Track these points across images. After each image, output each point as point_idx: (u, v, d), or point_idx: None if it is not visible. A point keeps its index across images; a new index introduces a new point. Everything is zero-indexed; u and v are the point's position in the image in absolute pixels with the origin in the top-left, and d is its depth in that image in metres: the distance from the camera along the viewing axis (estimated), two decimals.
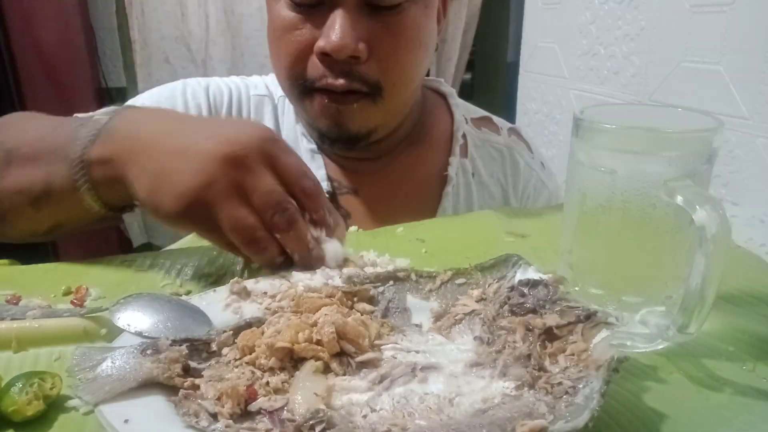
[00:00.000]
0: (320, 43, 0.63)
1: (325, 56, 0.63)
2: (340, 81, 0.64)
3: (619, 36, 1.26)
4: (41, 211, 0.54)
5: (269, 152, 0.47)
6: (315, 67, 0.65)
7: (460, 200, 0.79)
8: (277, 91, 0.80)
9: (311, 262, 0.47)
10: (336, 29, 0.61)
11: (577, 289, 0.45)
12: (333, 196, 0.75)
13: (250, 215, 0.45)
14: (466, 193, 0.80)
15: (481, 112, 0.87)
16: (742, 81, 0.96)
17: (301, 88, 0.67)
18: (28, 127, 0.58)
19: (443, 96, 0.85)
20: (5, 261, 0.55)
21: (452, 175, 0.77)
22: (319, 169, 0.75)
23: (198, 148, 0.46)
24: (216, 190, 0.45)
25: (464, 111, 0.84)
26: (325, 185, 0.74)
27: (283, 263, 0.48)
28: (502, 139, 0.84)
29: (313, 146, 0.76)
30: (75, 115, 0.65)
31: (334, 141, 0.72)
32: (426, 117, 0.80)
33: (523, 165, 0.83)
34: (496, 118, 0.87)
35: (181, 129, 0.50)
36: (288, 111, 0.79)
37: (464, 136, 0.81)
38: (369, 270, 0.50)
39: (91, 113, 0.66)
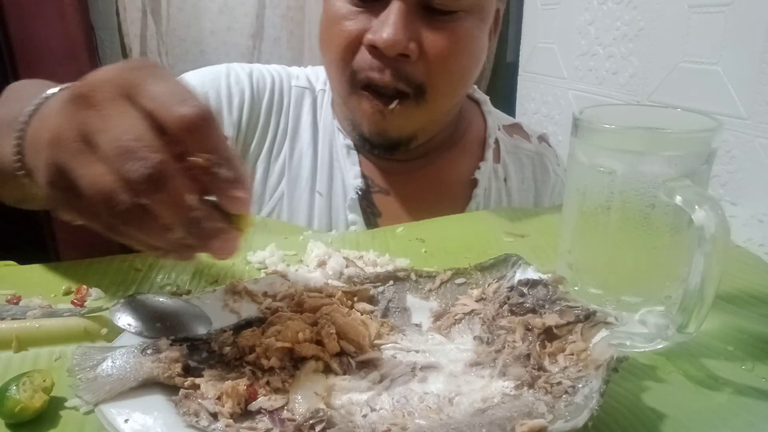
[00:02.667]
0: (372, 36, 0.62)
1: (374, 49, 0.63)
2: (387, 77, 0.63)
3: (617, 36, 1.26)
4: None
5: (129, 81, 0.34)
6: (363, 58, 0.65)
7: (490, 204, 0.79)
8: (317, 84, 0.81)
9: (205, 239, 0.34)
10: (389, 25, 0.61)
11: (576, 288, 0.45)
12: (366, 193, 0.75)
13: (108, 172, 0.32)
14: (497, 198, 0.80)
15: (512, 120, 0.88)
16: (741, 81, 0.96)
17: (349, 82, 0.66)
18: (14, 96, 0.51)
19: (476, 102, 0.86)
20: (5, 262, 0.55)
21: (480, 178, 0.78)
22: (354, 165, 0.75)
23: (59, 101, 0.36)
24: (63, 146, 0.33)
25: (496, 118, 0.85)
26: (359, 182, 0.74)
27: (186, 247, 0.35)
28: (532, 146, 0.85)
29: (349, 142, 0.76)
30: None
31: (374, 146, 0.72)
32: (461, 122, 0.81)
33: (551, 171, 0.85)
34: (525, 126, 0.88)
35: None
36: (326, 105, 0.79)
37: (497, 141, 0.82)
38: (369, 270, 0.50)
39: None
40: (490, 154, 0.80)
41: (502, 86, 1.93)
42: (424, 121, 0.70)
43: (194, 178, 0.34)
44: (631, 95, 1.24)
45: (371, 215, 0.75)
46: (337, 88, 0.71)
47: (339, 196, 0.75)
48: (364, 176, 0.76)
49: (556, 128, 1.54)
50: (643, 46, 1.19)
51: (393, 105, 0.65)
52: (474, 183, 0.78)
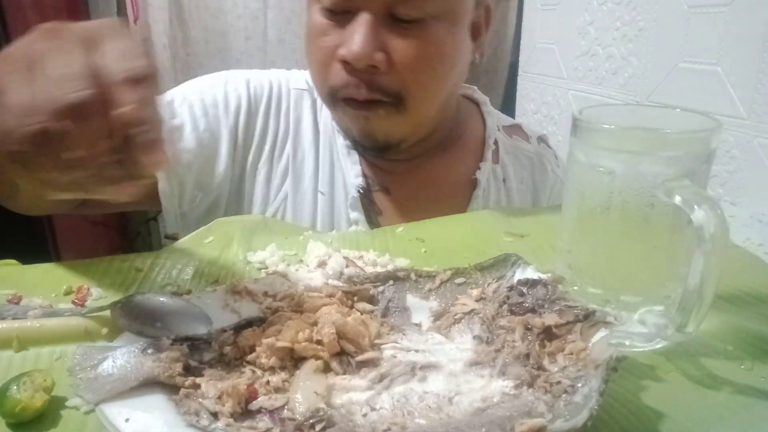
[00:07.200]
0: (341, 51, 0.64)
1: (346, 64, 0.64)
2: (362, 91, 0.65)
3: (617, 37, 1.27)
4: None
5: (94, 33, 0.37)
6: (338, 74, 0.66)
7: (490, 204, 0.80)
8: None
9: (105, 184, 0.37)
10: (355, 38, 0.62)
11: (575, 288, 0.45)
12: (366, 192, 0.76)
13: (37, 93, 0.34)
14: (496, 198, 0.81)
15: (511, 120, 0.89)
16: (740, 81, 0.97)
17: (330, 95, 0.68)
18: None
19: (476, 103, 0.87)
20: (6, 261, 0.55)
21: (481, 179, 0.79)
22: (354, 164, 0.77)
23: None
24: (7, 63, 0.36)
25: (495, 119, 0.86)
26: (359, 181, 0.76)
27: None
28: (532, 146, 0.86)
29: (349, 143, 0.78)
30: None
31: (366, 148, 0.75)
32: (459, 123, 0.82)
33: (549, 171, 0.86)
34: (525, 126, 0.89)
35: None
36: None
37: (496, 142, 0.83)
38: (369, 270, 0.50)
39: None
40: (489, 154, 0.81)
41: (502, 87, 1.93)
42: (409, 125, 0.71)
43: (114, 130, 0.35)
44: (630, 95, 1.24)
45: (372, 213, 0.76)
46: (321, 98, 0.73)
47: (341, 195, 0.76)
48: (364, 175, 0.77)
49: (556, 128, 1.54)
50: (642, 47, 1.19)
51: (376, 113, 0.66)
52: (474, 183, 0.79)
